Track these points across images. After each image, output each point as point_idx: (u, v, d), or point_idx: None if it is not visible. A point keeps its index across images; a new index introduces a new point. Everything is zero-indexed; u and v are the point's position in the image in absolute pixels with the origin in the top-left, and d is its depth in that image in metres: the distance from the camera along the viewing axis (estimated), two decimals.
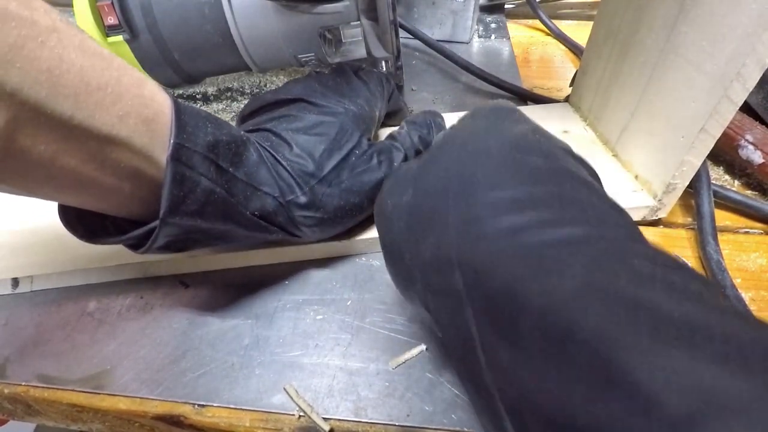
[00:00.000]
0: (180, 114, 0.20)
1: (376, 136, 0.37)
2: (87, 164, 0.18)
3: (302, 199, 0.25)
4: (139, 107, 0.19)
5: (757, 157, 0.33)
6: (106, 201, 0.20)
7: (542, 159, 0.16)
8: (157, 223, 0.20)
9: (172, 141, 0.19)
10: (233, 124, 0.29)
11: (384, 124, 0.37)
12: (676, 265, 0.13)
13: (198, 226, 0.21)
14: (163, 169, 0.20)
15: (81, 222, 0.21)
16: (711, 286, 0.13)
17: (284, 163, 0.25)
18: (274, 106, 0.29)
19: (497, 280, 0.14)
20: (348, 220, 0.27)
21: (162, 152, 0.20)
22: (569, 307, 0.12)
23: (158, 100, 0.20)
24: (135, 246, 0.21)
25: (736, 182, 0.35)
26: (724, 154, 0.35)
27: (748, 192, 0.34)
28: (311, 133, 0.26)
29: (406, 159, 0.29)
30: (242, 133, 0.24)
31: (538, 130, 0.19)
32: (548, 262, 0.13)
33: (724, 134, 0.30)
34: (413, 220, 0.18)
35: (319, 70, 0.33)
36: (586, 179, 0.17)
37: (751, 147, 0.33)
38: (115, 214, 0.21)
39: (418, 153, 0.29)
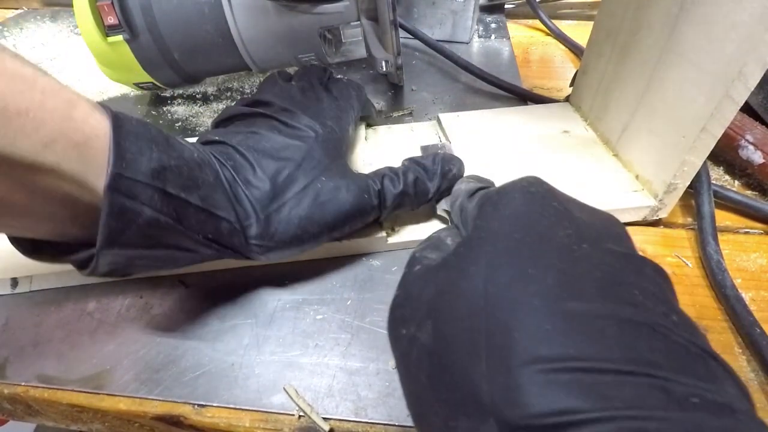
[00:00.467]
0: (119, 139, 0.19)
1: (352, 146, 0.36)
2: (14, 192, 0.17)
3: (255, 228, 0.24)
4: (67, 132, 0.17)
5: (758, 157, 0.33)
6: (43, 228, 0.19)
7: (601, 302, 0.13)
8: (95, 251, 0.19)
9: (109, 171, 0.18)
10: None
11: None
12: None
13: (141, 254, 0.20)
14: (100, 196, 0.18)
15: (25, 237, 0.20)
16: None
17: (243, 186, 0.24)
18: (245, 117, 0.28)
19: None
20: (307, 245, 0.26)
21: (98, 178, 0.18)
22: None
23: (91, 123, 0.18)
24: (81, 267, 0.20)
25: (737, 182, 0.35)
26: (724, 154, 0.35)
27: (748, 192, 0.34)
28: (276, 157, 0.25)
29: (381, 199, 0.27)
30: (199, 153, 0.23)
31: (582, 232, 0.16)
32: None
33: (725, 134, 0.30)
34: (436, 377, 0.15)
35: (282, 70, 0.33)
36: (657, 321, 0.13)
37: (751, 147, 0.33)
38: (57, 239, 0.20)
39: (402, 196, 0.27)
